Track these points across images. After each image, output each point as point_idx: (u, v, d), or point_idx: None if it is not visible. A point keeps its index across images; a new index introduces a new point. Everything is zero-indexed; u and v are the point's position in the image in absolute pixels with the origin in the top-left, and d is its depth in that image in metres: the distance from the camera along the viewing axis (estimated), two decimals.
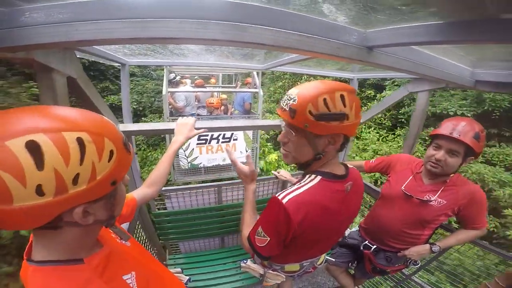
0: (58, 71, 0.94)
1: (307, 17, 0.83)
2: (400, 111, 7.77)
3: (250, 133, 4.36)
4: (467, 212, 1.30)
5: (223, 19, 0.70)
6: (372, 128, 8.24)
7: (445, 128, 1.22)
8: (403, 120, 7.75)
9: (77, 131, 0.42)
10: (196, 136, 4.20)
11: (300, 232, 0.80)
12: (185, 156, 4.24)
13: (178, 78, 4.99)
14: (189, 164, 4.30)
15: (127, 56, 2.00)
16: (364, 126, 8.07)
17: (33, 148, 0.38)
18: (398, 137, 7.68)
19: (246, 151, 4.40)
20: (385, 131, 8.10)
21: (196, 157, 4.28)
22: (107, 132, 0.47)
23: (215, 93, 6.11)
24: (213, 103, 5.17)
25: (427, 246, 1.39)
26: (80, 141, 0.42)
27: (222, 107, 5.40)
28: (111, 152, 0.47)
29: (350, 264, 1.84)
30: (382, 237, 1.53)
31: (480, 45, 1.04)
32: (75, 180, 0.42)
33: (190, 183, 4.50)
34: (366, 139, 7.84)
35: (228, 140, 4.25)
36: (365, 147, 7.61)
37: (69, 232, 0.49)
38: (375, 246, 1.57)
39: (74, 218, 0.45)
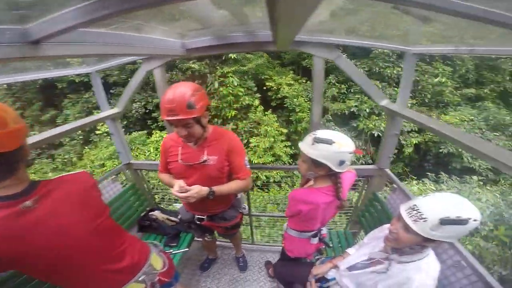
0: None
1: None
2: None
3: None
4: (231, 160, 1.40)
5: None
6: None
7: (163, 113, 1.16)
8: None
9: None
10: None
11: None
12: None
13: None
14: None
15: None
16: None
17: None
18: None
19: None
20: None
21: None
22: None
23: None
24: None
25: (206, 188, 1.35)
26: None
27: None
28: None
29: (207, 235, 1.96)
30: (202, 206, 1.55)
31: (173, 19, 1.15)
32: None
33: None
34: None
35: None
36: None
37: None
38: (205, 216, 1.63)
39: None
